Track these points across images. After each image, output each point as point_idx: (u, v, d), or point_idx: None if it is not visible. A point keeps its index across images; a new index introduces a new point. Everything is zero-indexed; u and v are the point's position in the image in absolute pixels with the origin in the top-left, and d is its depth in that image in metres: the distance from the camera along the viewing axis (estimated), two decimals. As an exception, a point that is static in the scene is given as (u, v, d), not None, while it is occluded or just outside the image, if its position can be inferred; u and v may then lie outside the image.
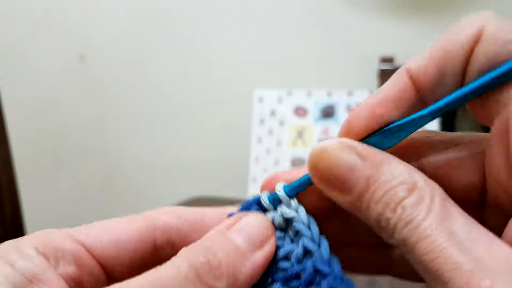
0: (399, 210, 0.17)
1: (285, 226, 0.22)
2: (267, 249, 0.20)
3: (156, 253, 0.22)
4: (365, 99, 0.20)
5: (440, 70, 0.18)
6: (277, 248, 0.21)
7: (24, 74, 1.31)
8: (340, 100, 0.92)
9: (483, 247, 0.16)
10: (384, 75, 0.98)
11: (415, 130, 0.19)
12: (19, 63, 1.31)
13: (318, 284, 0.20)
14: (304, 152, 0.92)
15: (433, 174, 0.19)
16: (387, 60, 1.00)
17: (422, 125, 0.19)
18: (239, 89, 1.13)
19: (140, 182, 1.26)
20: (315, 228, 0.21)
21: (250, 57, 1.13)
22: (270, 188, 0.23)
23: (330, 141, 0.19)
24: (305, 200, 0.22)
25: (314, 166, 0.19)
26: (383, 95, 0.19)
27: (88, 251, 0.20)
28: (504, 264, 0.15)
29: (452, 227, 0.16)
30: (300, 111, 0.94)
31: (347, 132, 0.20)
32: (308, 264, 0.20)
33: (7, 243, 0.19)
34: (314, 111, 0.93)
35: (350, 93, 0.92)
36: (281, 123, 0.94)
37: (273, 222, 0.22)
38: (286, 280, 0.21)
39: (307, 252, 0.21)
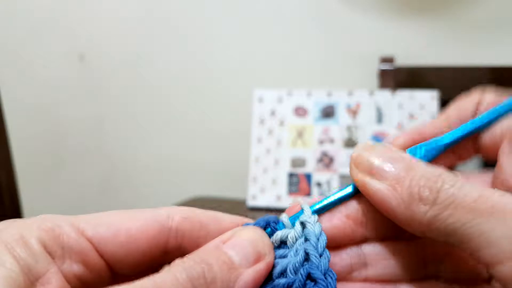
0: (440, 181, 0.20)
1: (294, 240, 0.22)
2: (261, 267, 0.20)
3: (165, 256, 0.22)
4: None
5: (460, 117, 0.27)
6: (275, 265, 0.21)
7: (24, 74, 1.31)
8: (340, 100, 0.92)
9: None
10: (384, 75, 0.98)
11: (439, 152, 0.25)
12: (19, 63, 1.31)
13: None
14: (304, 152, 0.92)
15: None
16: (387, 60, 1.00)
17: (452, 145, 0.25)
18: (239, 89, 1.13)
19: (140, 182, 1.26)
20: (323, 239, 0.22)
21: (250, 57, 1.13)
22: (293, 212, 0.24)
23: (372, 145, 0.23)
24: (329, 222, 0.23)
25: (358, 157, 0.23)
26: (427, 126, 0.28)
27: (96, 248, 0.20)
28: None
29: (488, 193, 0.20)
30: (300, 111, 0.94)
31: (395, 144, 0.26)
32: (302, 270, 0.20)
33: (12, 229, 0.18)
34: (314, 111, 0.93)
35: (350, 93, 0.92)
36: (281, 123, 0.94)
37: (280, 239, 0.22)
38: None
39: (306, 260, 0.21)
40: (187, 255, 0.19)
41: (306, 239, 0.22)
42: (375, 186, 0.21)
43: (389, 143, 0.26)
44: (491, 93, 0.27)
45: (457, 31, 0.99)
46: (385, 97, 0.91)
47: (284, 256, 0.22)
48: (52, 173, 1.33)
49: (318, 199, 0.24)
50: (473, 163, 0.87)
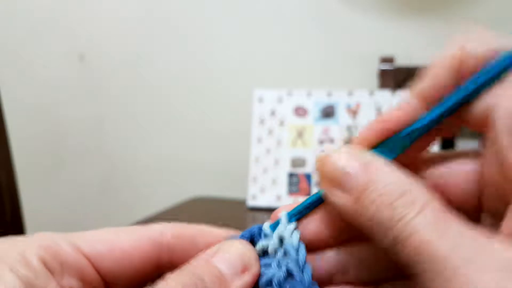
0: (390, 210, 0.18)
1: (276, 251, 0.23)
2: (247, 277, 0.21)
3: (157, 271, 0.23)
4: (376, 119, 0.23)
5: (437, 85, 0.21)
6: (262, 275, 0.22)
7: (24, 74, 1.31)
8: (340, 100, 0.92)
9: (475, 245, 0.16)
10: (384, 75, 0.98)
11: (420, 136, 0.21)
12: (19, 63, 1.31)
13: None
14: (304, 152, 0.92)
15: (431, 185, 0.21)
16: (387, 60, 1.00)
17: (426, 131, 0.21)
18: (239, 89, 1.13)
19: (140, 182, 1.26)
20: (302, 253, 0.22)
21: (250, 57, 1.13)
22: (275, 219, 0.24)
23: (337, 149, 0.22)
24: (306, 228, 0.23)
25: (321, 165, 0.22)
26: (395, 113, 0.22)
27: (93, 264, 0.21)
28: (497, 262, 0.16)
29: (444, 226, 0.17)
30: (300, 111, 0.94)
31: (358, 142, 0.23)
32: (287, 286, 0.21)
33: (13, 248, 0.19)
34: (314, 111, 0.93)
35: (350, 93, 0.92)
36: (281, 123, 0.94)
37: (263, 249, 0.23)
38: None
39: (289, 275, 0.22)
40: (177, 269, 0.20)
41: (285, 253, 0.22)
42: (337, 199, 0.21)
43: (356, 141, 0.23)
44: (475, 39, 0.21)
45: (457, 31, 0.99)
46: (385, 97, 0.91)
47: (269, 265, 0.22)
48: (52, 173, 1.33)
49: (298, 203, 0.24)
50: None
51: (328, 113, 0.93)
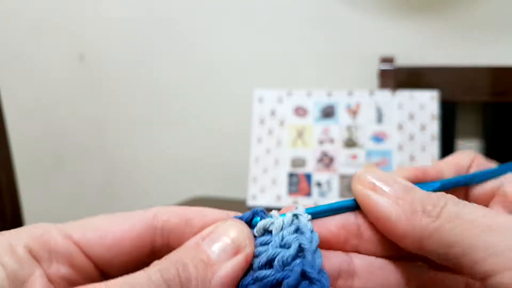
0: (443, 199, 0.21)
1: (280, 229, 0.21)
2: (239, 259, 0.20)
3: (153, 255, 0.22)
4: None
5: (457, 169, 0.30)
6: (257, 255, 0.21)
7: (24, 74, 1.31)
8: (340, 100, 0.92)
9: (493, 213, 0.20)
10: (384, 75, 0.98)
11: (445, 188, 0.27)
12: (19, 63, 1.31)
13: None
14: (304, 152, 0.92)
15: None
16: (387, 60, 1.00)
17: (450, 188, 0.28)
18: (239, 89, 1.13)
19: (140, 182, 1.26)
20: (316, 237, 0.21)
21: (250, 57, 1.13)
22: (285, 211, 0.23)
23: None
24: (323, 227, 0.23)
25: (363, 173, 0.23)
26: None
27: (83, 251, 0.21)
28: None
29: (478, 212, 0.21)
30: (300, 111, 0.94)
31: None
32: (296, 267, 0.19)
33: (1, 238, 0.20)
34: (314, 111, 0.93)
35: (350, 93, 0.92)
36: (281, 123, 0.94)
37: (264, 227, 0.21)
38: None
39: (299, 252, 0.20)
40: (167, 255, 0.20)
41: (298, 230, 0.21)
42: (376, 199, 0.22)
43: (393, 172, 0.27)
44: (482, 159, 0.31)
45: (457, 31, 0.99)
46: (385, 97, 0.91)
47: (266, 243, 0.21)
48: (52, 173, 1.33)
49: (314, 205, 0.23)
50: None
51: (328, 113, 0.93)
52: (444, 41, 1.00)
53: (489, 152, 0.94)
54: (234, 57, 1.14)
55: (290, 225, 0.21)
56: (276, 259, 0.20)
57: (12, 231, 0.20)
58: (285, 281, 0.19)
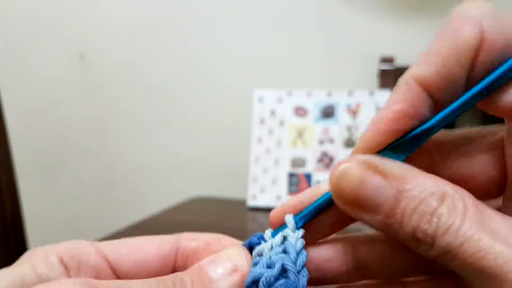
0: (435, 219, 0.17)
1: (271, 248, 0.22)
2: (236, 277, 0.21)
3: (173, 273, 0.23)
4: (378, 113, 0.20)
5: (448, 75, 0.19)
6: (249, 274, 0.21)
7: (24, 74, 1.31)
8: (340, 100, 0.92)
9: None
10: (384, 75, 0.98)
11: (431, 136, 0.20)
12: (19, 63, 1.31)
13: None
14: (304, 152, 0.92)
15: (450, 176, 0.20)
16: (387, 60, 1.00)
17: (437, 131, 0.20)
18: (239, 89, 1.13)
19: (140, 182, 1.26)
20: (303, 257, 0.21)
21: (250, 57, 1.13)
22: (277, 221, 0.23)
23: (349, 163, 0.19)
24: (316, 253, 0.22)
25: (337, 190, 0.19)
26: (398, 108, 0.20)
27: (111, 266, 0.23)
28: None
29: (491, 225, 0.17)
30: (300, 111, 0.94)
31: (363, 149, 0.20)
32: (279, 284, 0.20)
33: (41, 250, 0.22)
34: (314, 111, 0.93)
35: (350, 93, 0.92)
36: (281, 123, 0.94)
37: (259, 252, 0.22)
38: None
39: (283, 273, 0.20)
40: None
41: (284, 251, 0.21)
42: (366, 220, 0.19)
43: (361, 146, 0.20)
44: (492, 23, 0.19)
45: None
46: (385, 97, 0.91)
47: (255, 264, 0.21)
48: (52, 173, 1.33)
49: (298, 200, 0.22)
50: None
51: (328, 113, 0.93)
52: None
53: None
54: (234, 57, 1.14)
55: (279, 246, 0.21)
56: (261, 280, 0.20)
57: (54, 245, 0.22)
58: None
